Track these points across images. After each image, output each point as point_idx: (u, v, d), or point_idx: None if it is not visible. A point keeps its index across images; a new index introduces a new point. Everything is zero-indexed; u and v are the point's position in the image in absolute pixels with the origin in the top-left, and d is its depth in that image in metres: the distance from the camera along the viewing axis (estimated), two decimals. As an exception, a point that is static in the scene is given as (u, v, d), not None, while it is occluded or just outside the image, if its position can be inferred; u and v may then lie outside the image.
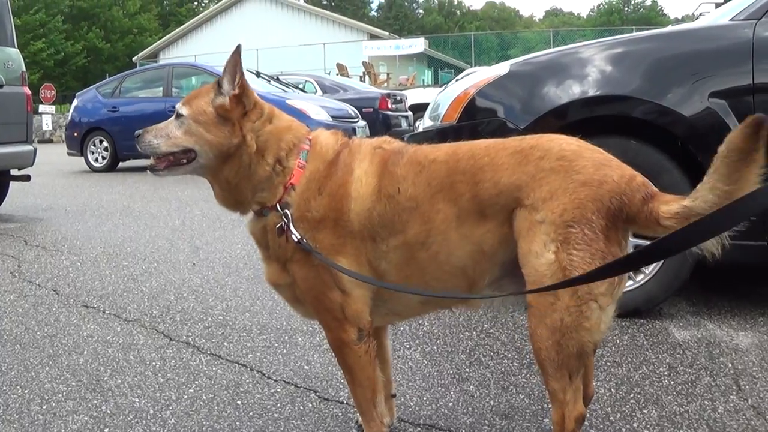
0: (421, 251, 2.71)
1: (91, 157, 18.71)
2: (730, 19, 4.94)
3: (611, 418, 3.48)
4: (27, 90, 10.58)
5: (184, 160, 3.01)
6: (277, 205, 2.90)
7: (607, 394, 3.72)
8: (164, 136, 3.01)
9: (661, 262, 4.80)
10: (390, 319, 3.13)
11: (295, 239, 2.81)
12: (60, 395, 3.88)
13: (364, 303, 2.85)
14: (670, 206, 2.39)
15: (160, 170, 3.07)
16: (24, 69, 10.65)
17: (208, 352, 4.49)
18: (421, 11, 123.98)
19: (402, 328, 4.81)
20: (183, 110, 3.02)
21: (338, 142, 2.97)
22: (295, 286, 2.96)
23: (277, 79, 19.93)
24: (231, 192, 3.05)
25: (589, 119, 4.93)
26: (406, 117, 22.48)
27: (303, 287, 2.93)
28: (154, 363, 4.34)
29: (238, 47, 2.97)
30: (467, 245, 2.63)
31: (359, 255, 2.80)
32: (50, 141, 36.60)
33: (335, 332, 2.90)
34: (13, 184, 10.85)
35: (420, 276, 2.77)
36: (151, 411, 3.67)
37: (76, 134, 19.10)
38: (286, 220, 2.85)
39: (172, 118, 3.06)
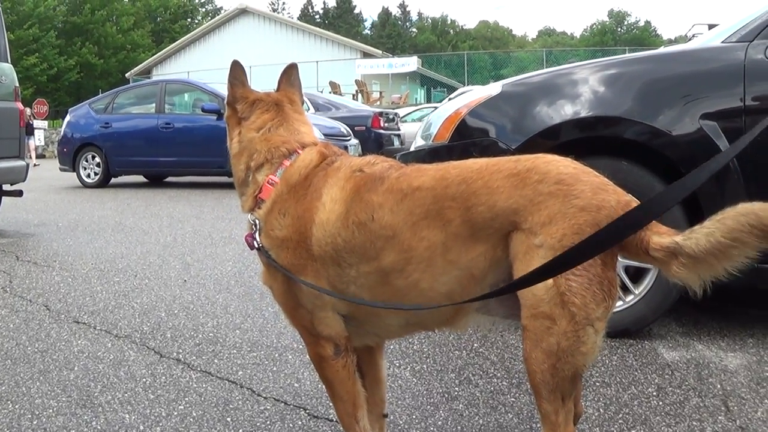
0: (398, 279, 2.67)
1: (83, 173, 18.74)
2: (722, 41, 4.97)
3: (600, 437, 3.50)
4: (20, 105, 10.58)
5: None
6: (249, 214, 3.01)
7: (596, 414, 3.73)
8: None
9: (651, 283, 4.82)
10: (373, 339, 3.10)
11: (257, 245, 2.89)
12: (50, 411, 3.88)
13: (330, 324, 2.86)
14: (662, 239, 2.38)
15: None
16: (17, 84, 10.65)
17: (199, 369, 4.50)
18: (414, 30, 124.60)
19: (392, 347, 4.81)
20: None
21: (311, 165, 2.97)
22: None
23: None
24: None
25: (580, 140, 4.95)
26: (399, 135, 22.52)
27: (278, 301, 2.99)
28: (144, 379, 4.34)
29: (233, 62, 3.19)
30: (454, 270, 2.58)
31: (319, 278, 2.79)
32: (42, 156, 36.61)
33: (312, 347, 2.92)
34: (4, 200, 10.83)
35: (398, 302, 2.75)
36: (141, 427, 3.67)
37: (66, 150, 19.15)
38: (255, 229, 2.93)
39: None
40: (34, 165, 29.67)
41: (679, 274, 2.34)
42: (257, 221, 2.93)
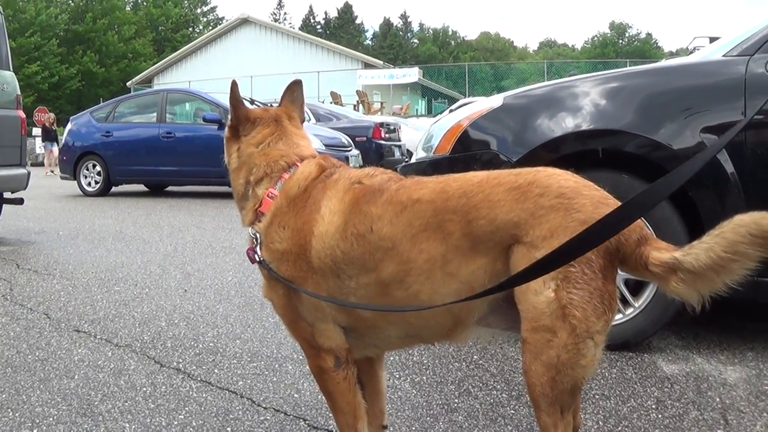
0: (398, 290, 2.67)
1: (84, 182, 18.76)
2: (723, 55, 4.98)
3: (599, 450, 3.50)
4: (21, 113, 10.58)
5: None
6: (249, 228, 3.01)
7: (595, 427, 3.73)
8: None
9: (651, 296, 4.82)
10: (373, 351, 3.10)
11: (258, 259, 2.90)
12: (51, 419, 3.88)
13: (330, 336, 2.86)
14: (661, 254, 2.38)
15: None
16: (19, 92, 10.65)
17: (199, 379, 4.50)
18: (415, 41, 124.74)
19: (392, 359, 4.82)
20: None
21: (310, 177, 2.99)
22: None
23: (271, 107, 19.92)
24: None
25: (581, 153, 4.96)
26: (400, 146, 22.52)
27: (278, 313, 3.00)
28: (144, 389, 4.34)
29: (232, 83, 3.16)
30: (454, 283, 2.58)
31: (319, 290, 2.80)
32: (43, 164, 36.59)
33: (313, 359, 2.93)
34: (5, 207, 10.84)
35: (399, 314, 2.77)
36: (141, 437, 3.68)
37: (67, 158, 19.19)
38: (256, 242, 2.94)
39: None
40: (59, 176, 29.72)
41: (678, 290, 2.35)
42: (258, 235, 2.95)
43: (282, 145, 3.14)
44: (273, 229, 2.91)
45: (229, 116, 3.21)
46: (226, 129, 3.26)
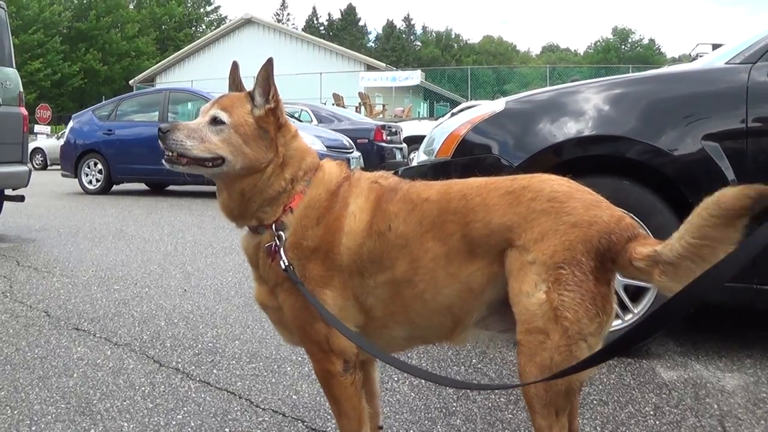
0: (407, 288, 2.71)
1: (85, 179, 18.75)
2: (726, 62, 4.98)
3: (596, 456, 3.50)
4: (24, 110, 10.58)
5: (209, 164, 2.91)
6: (273, 225, 2.89)
7: (593, 433, 3.74)
8: (198, 139, 2.88)
9: (650, 302, 4.82)
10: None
11: (282, 266, 2.80)
12: (49, 417, 3.88)
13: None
14: (644, 249, 2.41)
15: (181, 165, 2.94)
16: (21, 89, 10.65)
17: (198, 379, 4.50)
18: (418, 43, 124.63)
19: (391, 361, 4.80)
20: (223, 117, 2.89)
21: (342, 174, 2.97)
22: (282, 312, 2.96)
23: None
24: (239, 203, 2.96)
25: (583, 158, 4.96)
26: (401, 149, 22.50)
27: (289, 315, 2.92)
28: (143, 388, 4.34)
29: (270, 59, 2.91)
30: (455, 284, 2.64)
31: (346, 289, 2.80)
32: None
33: (321, 363, 2.89)
34: (6, 204, 10.85)
35: (405, 313, 2.78)
36: (139, 436, 3.68)
37: (68, 156, 19.13)
38: (278, 243, 2.84)
39: (205, 120, 2.92)
40: None
41: (662, 283, 2.38)
42: (281, 234, 2.87)
43: (304, 141, 3.11)
44: (308, 223, 2.84)
45: (270, 97, 2.93)
46: (265, 111, 2.93)
